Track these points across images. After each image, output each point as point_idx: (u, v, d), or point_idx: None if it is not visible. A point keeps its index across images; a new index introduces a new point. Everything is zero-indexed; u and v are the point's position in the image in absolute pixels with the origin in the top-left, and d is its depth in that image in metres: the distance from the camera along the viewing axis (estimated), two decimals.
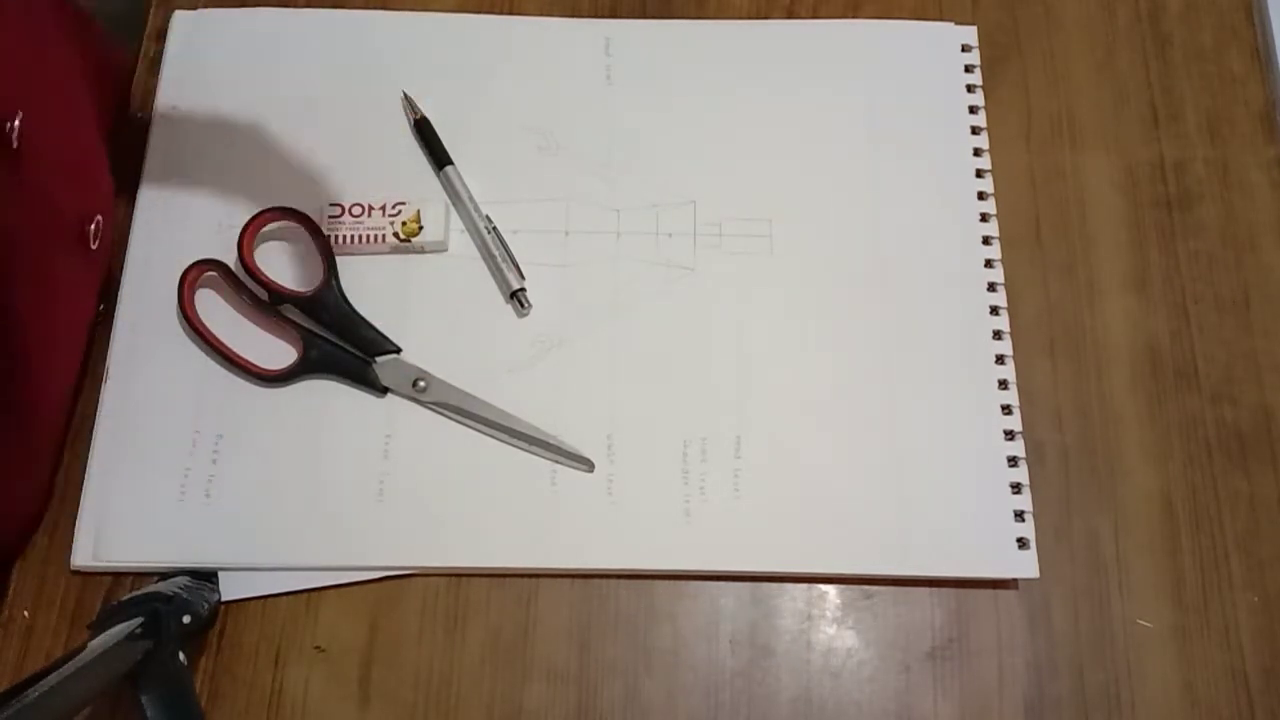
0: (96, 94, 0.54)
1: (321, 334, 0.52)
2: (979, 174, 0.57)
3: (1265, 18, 0.61)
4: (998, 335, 0.54)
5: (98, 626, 0.43)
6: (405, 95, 0.58)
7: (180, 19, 0.59)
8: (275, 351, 0.53)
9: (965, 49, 0.60)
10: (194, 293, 0.53)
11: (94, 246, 0.51)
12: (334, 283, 0.53)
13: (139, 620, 0.43)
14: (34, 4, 0.45)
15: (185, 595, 0.46)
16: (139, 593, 0.46)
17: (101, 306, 0.53)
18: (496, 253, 0.54)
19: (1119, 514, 0.52)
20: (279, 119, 0.57)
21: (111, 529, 0.49)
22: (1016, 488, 0.51)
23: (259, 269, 0.53)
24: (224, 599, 0.49)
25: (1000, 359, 0.53)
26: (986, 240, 0.56)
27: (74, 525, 0.49)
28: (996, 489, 0.51)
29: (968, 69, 0.59)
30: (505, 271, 0.54)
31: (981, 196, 0.57)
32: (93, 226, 0.51)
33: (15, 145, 0.43)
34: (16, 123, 0.43)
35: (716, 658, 0.49)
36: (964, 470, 0.51)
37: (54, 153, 0.47)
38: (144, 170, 0.56)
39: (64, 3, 0.52)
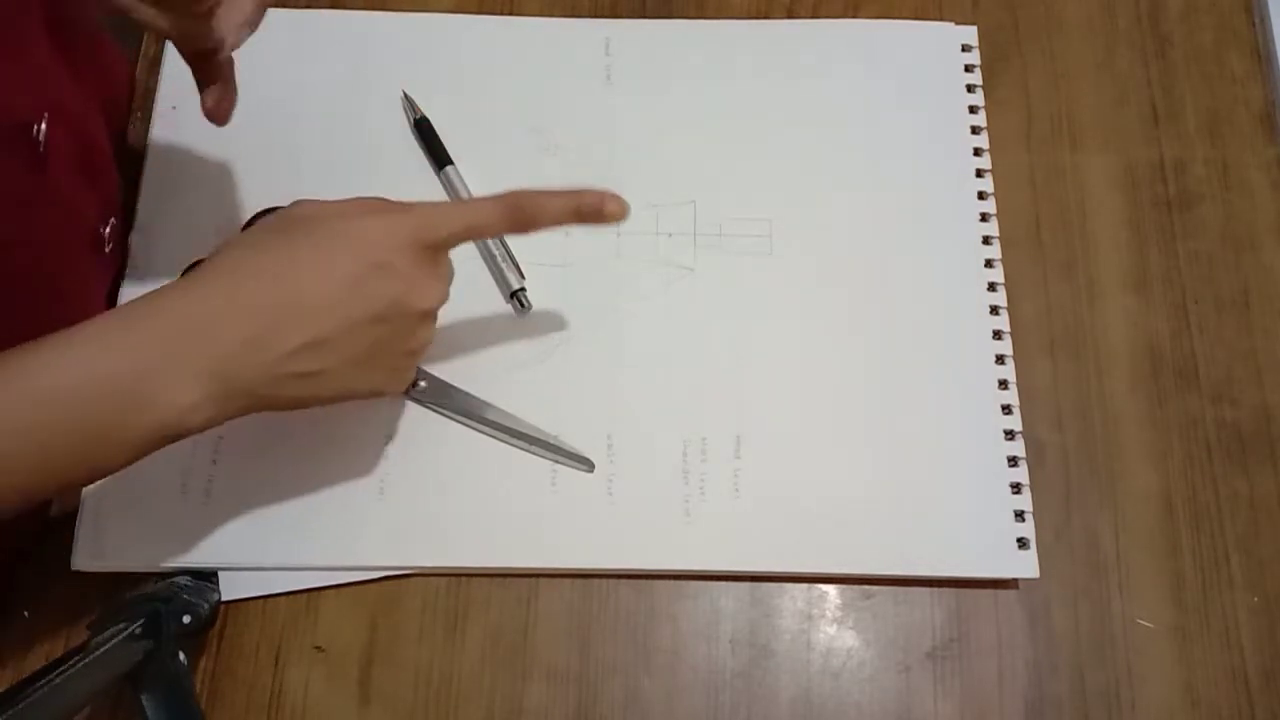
0: (104, 96, 0.55)
1: None
2: (979, 174, 0.57)
3: (1265, 18, 0.61)
4: (998, 335, 0.54)
5: (98, 626, 0.43)
6: (405, 95, 0.58)
7: None
8: None
9: (965, 49, 0.60)
10: None
11: (107, 250, 0.52)
12: None
13: (139, 620, 0.43)
14: (55, 11, 0.46)
15: (185, 595, 0.46)
16: (139, 593, 0.47)
17: None
18: (496, 253, 0.54)
19: (1119, 514, 0.52)
20: (279, 119, 0.57)
21: (111, 529, 0.49)
22: (1016, 488, 0.51)
23: None
24: (224, 599, 0.49)
25: (1000, 359, 0.53)
26: (986, 240, 0.56)
27: (74, 525, 0.49)
28: (996, 489, 0.51)
29: (968, 69, 0.59)
30: (505, 271, 0.54)
31: (981, 196, 0.57)
32: (106, 229, 0.51)
33: (42, 149, 0.43)
34: (43, 125, 0.43)
35: (716, 658, 0.49)
36: (964, 470, 0.51)
37: (73, 155, 0.47)
38: (144, 170, 0.56)
39: (48, 6, 0.52)
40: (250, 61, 0.58)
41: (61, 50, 0.47)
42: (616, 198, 0.44)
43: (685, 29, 0.60)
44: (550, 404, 0.52)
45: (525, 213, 0.44)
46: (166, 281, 0.52)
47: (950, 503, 0.51)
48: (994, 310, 0.54)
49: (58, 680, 0.37)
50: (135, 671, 0.42)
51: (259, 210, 0.54)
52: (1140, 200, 0.58)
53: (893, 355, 0.53)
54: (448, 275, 0.45)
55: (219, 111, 0.47)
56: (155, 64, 0.59)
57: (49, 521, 0.50)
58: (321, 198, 0.54)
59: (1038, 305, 0.55)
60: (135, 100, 0.59)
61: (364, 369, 0.42)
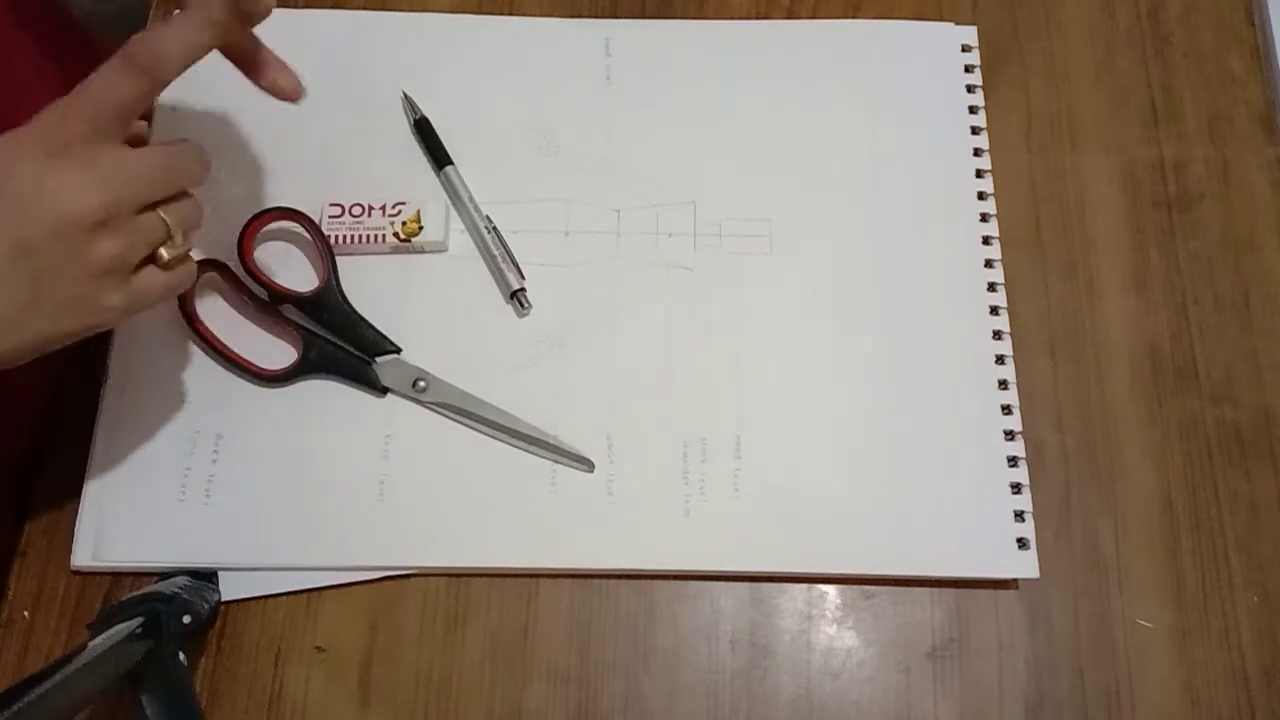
0: None
1: (321, 334, 0.52)
2: (979, 174, 0.57)
3: (1265, 18, 0.61)
4: (998, 335, 0.54)
5: (98, 626, 0.43)
6: (405, 95, 0.58)
7: None
8: (275, 351, 0.53)
9: (965, 49, 0.60)
10: (194, 293, 0.53)
11: None
12: (334, 283, 0.53)
13: (139, 620, 0.43)
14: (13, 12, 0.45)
15: (185, 595, 0.46)
16: (139, 593, 0.46)
17: None
18: (496, 253, 0.54)
19: (1119, 514, 0.52)
20: (279, 119, 0.57)
21: (111, 529, 0.49)
22: (1016, 488, 0.51)
23: (259, 269, 0.53)
24: (224, 599, 0.49)
25: (1000, 359, 0.53)
26: (986, 240, 0.56)
27: (74, 525, 0.49)
28: (996, 489, 0.51)
29: (968, 69, 0.59)
30: (505, 271, 0.54)
31: (981, 196, 0.57)
32: None
33: None
34: None
35: (716, 658, 0.49)
36: (964, 470, 0.51)
37: None
38: None
39: (40, 10, 0.50)
40: None
41: (11, 56, 0.45)
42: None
43: (685, 29, 0.60)
44: (550, 404, 0.52)
45: (147, 53, 0.39)
46: None
47: (950, 503, 0.51)
48: (994, 310, 0.54)
49: (58, 680, 0.37)
50: (135, 671, 0.42)
51: (260, 209, 0.54)
52: (1140, 200, 0.58)
53: (892, 355, 0.53)
54: (95, 172, 0.37)
55: (287, 87, 0.46)
56: None
57: (43, 519, 0.50)
58: (322, 198, 0.55)
59: (1038, 305, 0.55)
60: None
61: (44, 309, 0.37)
